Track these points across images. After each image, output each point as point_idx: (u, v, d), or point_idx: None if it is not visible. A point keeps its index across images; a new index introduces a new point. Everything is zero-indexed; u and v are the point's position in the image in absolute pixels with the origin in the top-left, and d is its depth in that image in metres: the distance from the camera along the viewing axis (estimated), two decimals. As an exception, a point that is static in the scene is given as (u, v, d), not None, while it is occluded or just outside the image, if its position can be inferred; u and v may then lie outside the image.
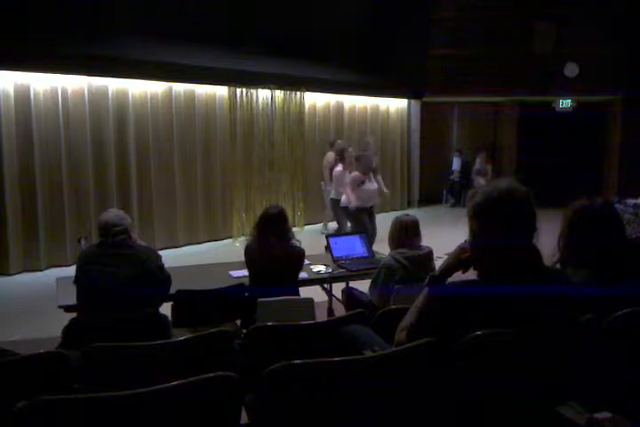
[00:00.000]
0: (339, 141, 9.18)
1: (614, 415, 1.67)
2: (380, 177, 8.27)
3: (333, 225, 8.28)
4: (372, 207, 7.72)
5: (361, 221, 7.51)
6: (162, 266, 3.68)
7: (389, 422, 1.95)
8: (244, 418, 1.96)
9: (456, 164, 13.73)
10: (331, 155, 9.01)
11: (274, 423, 1.87)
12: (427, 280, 2.01)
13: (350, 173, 7.75)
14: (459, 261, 2.00)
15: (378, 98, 12.17)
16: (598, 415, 1.67)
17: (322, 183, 9.49)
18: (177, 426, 1.71)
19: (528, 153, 13.19)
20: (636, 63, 11.84)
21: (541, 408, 1.89)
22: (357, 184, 7.41)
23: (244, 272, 4.31)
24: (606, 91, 12.39)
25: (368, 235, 7.48)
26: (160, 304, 3.72)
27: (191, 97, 8.90)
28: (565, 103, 12.94)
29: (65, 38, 6.94)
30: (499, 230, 1.88)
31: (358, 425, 1.91)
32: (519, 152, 13.55)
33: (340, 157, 8.30)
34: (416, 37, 11.63)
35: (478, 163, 13.20)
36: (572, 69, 12.27)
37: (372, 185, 7.61)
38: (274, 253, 4.06)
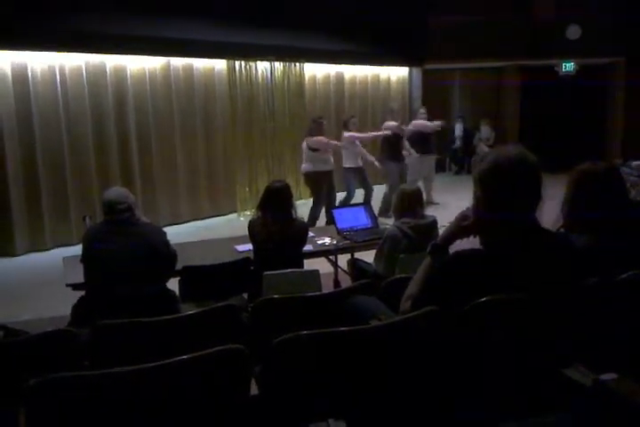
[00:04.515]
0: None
1: (620, 377, 1.69)
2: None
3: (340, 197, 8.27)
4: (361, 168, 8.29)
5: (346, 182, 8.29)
6: (167, 242, 3.70)
7: (397, 390, 1.97)
8: (253, 389, 1.98)
9: (458, 130, 13.62)
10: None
11: (283, 394, 1.89)
12: (429, 248, 2.02)
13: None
14: (460, 228, 1.99)
15: (378, 67, 12.01)
16: (604, 377, 1.69)
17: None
18: (187, 399, 1.73)
19: (531, 118, 13.08)
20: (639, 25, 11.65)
21: (547, 371, 1.90)
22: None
23: (250, 246, 4.33)
24: (609, 53, 12.21)
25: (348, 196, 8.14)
26: (167, 280, 3.74)
27: (190, 71, 8.81)
28: (568, 66, 12.78)
29: (60, 15, 6.86)
30: (504, 198, 1.87)
31: (366, 394, 1.94)
32: (522, 117, 13.42)
33: (344, 126, 8.29)
34: (416, 4, 11.42)
35: (484, 131, 13.08)
36: (574, 32, 12.08)
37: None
38: (277, 228, 4.06)
